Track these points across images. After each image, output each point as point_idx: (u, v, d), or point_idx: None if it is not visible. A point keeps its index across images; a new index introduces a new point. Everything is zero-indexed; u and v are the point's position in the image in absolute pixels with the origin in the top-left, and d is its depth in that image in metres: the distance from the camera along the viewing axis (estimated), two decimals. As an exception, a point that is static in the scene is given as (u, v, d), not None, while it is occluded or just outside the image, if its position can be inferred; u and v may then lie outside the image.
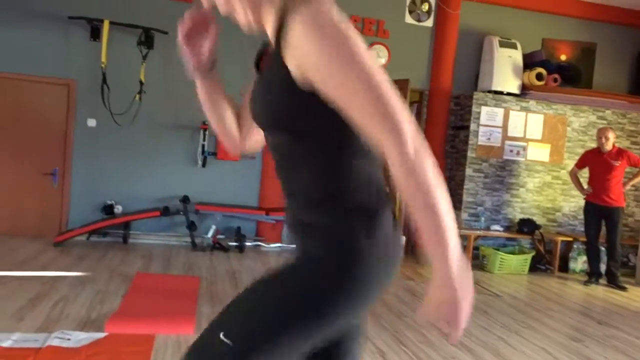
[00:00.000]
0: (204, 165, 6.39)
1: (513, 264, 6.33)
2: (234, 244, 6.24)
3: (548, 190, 6.95)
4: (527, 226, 6.62)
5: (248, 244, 6.37)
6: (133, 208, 6.15)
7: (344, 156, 1.12)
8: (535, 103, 6.82)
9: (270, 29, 1.13)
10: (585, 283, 6.01)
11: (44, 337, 3.07)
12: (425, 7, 6.93)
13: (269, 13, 1.11)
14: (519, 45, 6.76)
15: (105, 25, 5.83)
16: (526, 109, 6.80)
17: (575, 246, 6.69)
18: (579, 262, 6.64)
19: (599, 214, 5.91)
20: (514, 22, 7.11)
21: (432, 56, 6.97)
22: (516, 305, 4.85)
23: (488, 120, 6.69)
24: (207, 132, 6.24)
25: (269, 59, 1.16)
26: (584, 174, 6.20)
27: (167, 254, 5.74)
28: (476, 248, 6.57)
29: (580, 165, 6.18)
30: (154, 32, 6.00)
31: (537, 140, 6.85)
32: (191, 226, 6.09)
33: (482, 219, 6.71)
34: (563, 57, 7.33)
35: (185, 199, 6.19)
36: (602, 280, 6.06)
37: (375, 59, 1.02)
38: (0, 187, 6.04)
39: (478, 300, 4.92)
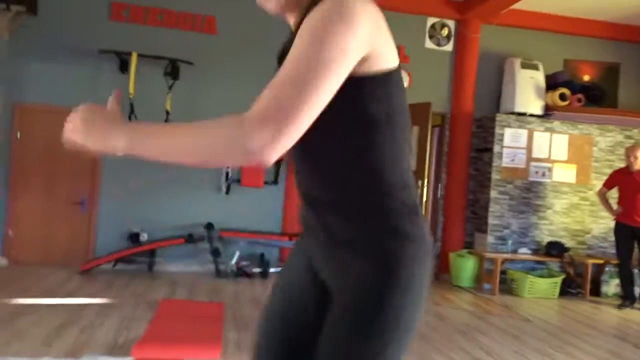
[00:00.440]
0: (227, 192, 6.44)
1: (543, 288, 6.17)
2: (258, 270, 6.23)
3: (576, 212, 6.80)
4: (555, 249, 6.47)
5: (272, 270, 6.35)
6: (158, 236, 6.21)
7: (371, 157, 1.09)
8: (559, 123, 6.74)
9: (295, 19, 1.14)
10: (619, 307, 5.82)
11: (72, 362, 3.09)
12: (445, 32, 6.98)
13: (300, 3, 1.11)
14: (540, 67, 6.73)
15: (134, 58, 5.99)
16: (550, 130, 6.72)
17: (607, 269, 6.50)
18: (612, 286, 6.44)
19: (631, 234, 5.75)
20: (534, 44, 7.09)
21: (452, 79, 6.97)
22: (549, 330, 4.70)
23: (512, 141, 6.62)
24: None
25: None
26: (613, 195, 6.06)
27: (192, 281, 5.76)
28: (503, 272, 6.43)
29: (608, 185, 6.05)
30: (180, 63, 6.14)
31: (562, 161, 6.75)
32: (215, 253, 6.11)
33: (509, 242, 6.59)
34: (586, 78, 7.27)
35: (209, 226, 6.22)
36: (637, 304, 5.87)
37: (347, 65, 0.96)
38: (33, 217, 6.17)
39: (509, 324, 4.79)
